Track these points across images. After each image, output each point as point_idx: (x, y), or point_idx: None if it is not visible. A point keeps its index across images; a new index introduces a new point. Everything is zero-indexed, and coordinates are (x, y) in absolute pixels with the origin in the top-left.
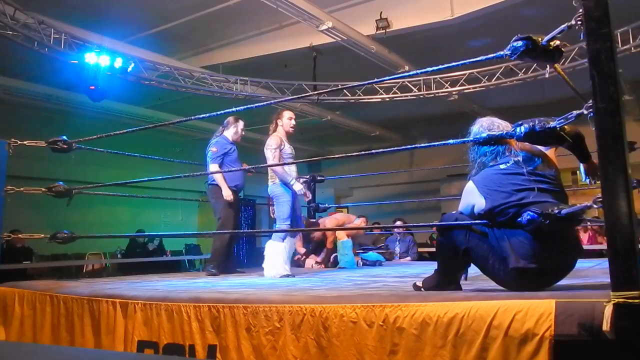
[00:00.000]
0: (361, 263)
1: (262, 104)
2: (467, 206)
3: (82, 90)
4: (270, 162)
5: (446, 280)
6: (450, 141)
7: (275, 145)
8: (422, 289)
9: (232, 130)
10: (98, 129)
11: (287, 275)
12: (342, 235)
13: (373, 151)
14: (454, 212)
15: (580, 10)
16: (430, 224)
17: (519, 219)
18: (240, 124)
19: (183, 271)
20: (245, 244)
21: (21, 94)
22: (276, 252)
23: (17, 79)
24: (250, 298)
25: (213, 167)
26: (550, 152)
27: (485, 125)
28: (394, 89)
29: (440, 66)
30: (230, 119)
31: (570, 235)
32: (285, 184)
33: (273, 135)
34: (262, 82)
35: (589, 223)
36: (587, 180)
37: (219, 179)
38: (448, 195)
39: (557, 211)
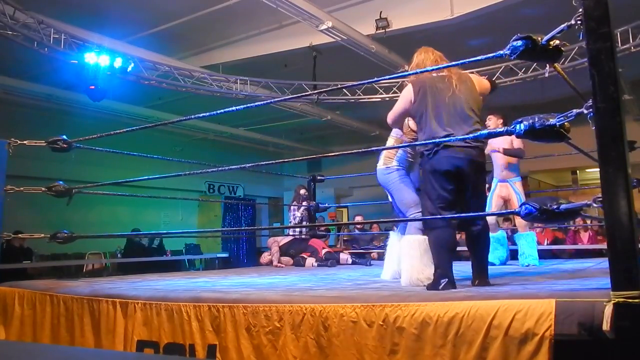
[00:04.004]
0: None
1: (262, 103)
2: None
3: (82, 90)
4: (390, 143)
5: (440, 273)
6: (451, 138)
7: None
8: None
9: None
10: (98, 128)
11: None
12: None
13: (373, 148)
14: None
15: (580, 10)
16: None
17: (517, 211)
18: None
19: (183, 271)
20: (246, 243)
21: (21, 94)
22: (422, 248)
23: (17, 79)
24: (250, 298)
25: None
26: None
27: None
28: (394, 89)
29: (440, 65)
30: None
31: None
32: (404, 166)
33: None
34: (262, 81)
35: (589, 223)
36: None
37: None
38: None
39: (555, 206)
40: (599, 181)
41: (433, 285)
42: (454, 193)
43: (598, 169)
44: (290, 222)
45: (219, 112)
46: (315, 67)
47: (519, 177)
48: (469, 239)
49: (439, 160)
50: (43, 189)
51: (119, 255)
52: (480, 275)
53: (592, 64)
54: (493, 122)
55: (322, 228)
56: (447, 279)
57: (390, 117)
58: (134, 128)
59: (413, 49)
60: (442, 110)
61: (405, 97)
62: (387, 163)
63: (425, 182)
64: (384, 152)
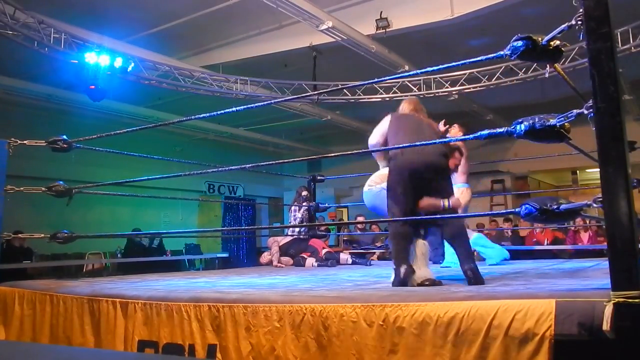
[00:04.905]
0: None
1: (262, 103)
2: None
3: (82, 90)
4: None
5: (400, 262)
6: (450, 139)
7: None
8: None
9: None
10: (98, 128)
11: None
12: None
13: (373, 149)
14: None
15: (581, 10)
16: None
17: (517, 211)
18: None
19: (183, 271)
20: (246, 243)
21: (21, 94)
22: (420, 252)
23: (17, 79)
24: (250, 298)
25: None
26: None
27: None
28: (394, 89)
29: (441, 66)
30: None
31: None
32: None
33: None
34: (262, 82)
35: (589, 223)
36: None
37: None
38: None
39: (555, 206)
40: (599, 181)
41: (396, 275)
42: (412, 193)
43: (598, 169)
44: (290, 222)
45: (219, 112)
46: (315, 67)
47: (464, 185)
48: (445, 236)
49: (402, 163)
50: (43, 189)
51: (119, 255)
52: (468, 263)
53: (592, 64)
54: (454, 132)
55: (322, 228)
56: (406, 266)
57: (371, 138)
58: (134, 128)
59: (413, 49)
60: (411, 132)
61: (382, 123)
62: (379, 183)
63: (391, 189)
64: (375, 174)
